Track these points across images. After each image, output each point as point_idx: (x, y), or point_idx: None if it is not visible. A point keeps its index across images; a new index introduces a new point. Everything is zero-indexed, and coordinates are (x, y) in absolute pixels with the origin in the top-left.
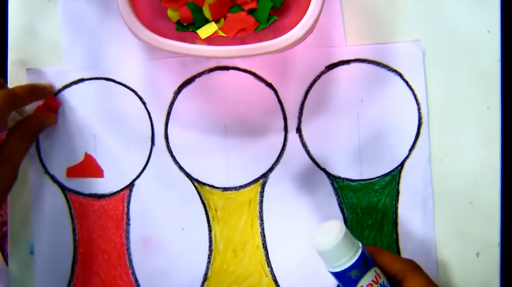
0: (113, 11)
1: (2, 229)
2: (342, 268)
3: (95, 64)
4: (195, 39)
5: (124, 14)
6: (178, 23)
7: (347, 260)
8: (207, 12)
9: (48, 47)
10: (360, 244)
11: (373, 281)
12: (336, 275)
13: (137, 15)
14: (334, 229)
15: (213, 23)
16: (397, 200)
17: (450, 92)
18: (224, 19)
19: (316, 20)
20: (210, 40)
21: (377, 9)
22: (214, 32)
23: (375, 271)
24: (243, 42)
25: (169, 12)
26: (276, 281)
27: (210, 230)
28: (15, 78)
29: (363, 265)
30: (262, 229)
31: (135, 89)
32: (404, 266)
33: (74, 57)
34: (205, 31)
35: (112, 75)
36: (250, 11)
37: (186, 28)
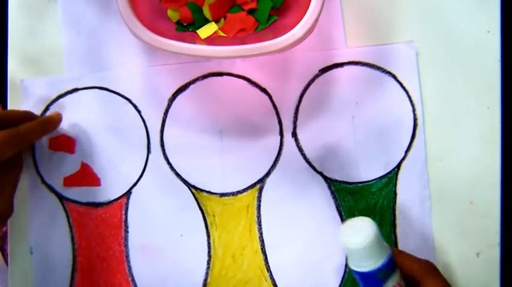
0: (112, 11)
1: (2, 229)
2: (369, 269)
3: (93, 67)
4: (195, 39)
5: (124, 14)
6: (178, 23)
7: (375, 261)
8: (207, 12)
9: (48, 48)
10: (389, 247)
11: (398, 283)
12: (361, 274)
13: (137, 15)
14: (366, 228)
15: (213, 23)
16: (394, 202)
17: (450, 92)
18: (224, 19)
19: (316, 20)
20: (210, 40)
21: (378, 11)
22: (214, 32)
23: (399, 274)
24: (243, 42)
25: (169, 12)
26: (275, 286)
27: (208, 236)
28: (15, 79)
29: (389, 267)
30: (261, 233)
31: (129, 98)
32: (422, 267)
33: (74, 57)
34: (205, 31)
35: (107, 83)
36: (250, 11)
37: (186, 28)
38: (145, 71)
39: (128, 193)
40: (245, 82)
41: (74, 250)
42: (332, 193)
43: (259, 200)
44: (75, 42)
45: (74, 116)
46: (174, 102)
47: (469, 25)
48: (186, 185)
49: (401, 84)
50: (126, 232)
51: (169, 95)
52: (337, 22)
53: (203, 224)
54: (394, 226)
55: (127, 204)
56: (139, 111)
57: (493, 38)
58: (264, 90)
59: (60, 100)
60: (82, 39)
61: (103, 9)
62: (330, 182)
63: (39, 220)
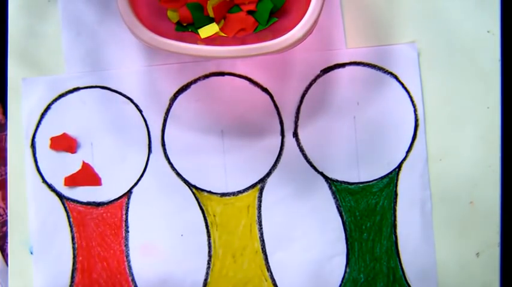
0: (112, 11)
1: (2, 229)
2: None
3: (93, 67)
4: (195, 39)
5: (124, 14)
6: (178, 23)
7: None
8: (211, 12)
9: (49, 48)
10: None
11: None
12: None
13: (137, 15)
14: None
15: (215, 23)
16: (395, 202)
17: (450, 92)
18: (224, 19)
19: (316, 21)
20: (210, 40)
21: (378, 11)
22: (215, 32)
23: None
24: (243, 42)
25: (169, 13)
26: (275, 286)
27: (209, 236)
28: (16, 79)
29: None
30: (261, 233)
31: (131, 97)
32: None
33: (74, 57)
34: (207, 31)
35: (108, 82)
36: (250, 11)
37: (186, 28)
38: (146, 71)
39: (129, 193)
40: (247, 82)
41: (74, 249)
42: (333, 193)
43: (259, 200)
44: (75, 42)
45: (75, 115)
46: (176, 102)
47: (469, 25)
48: (187, 185)
49: (402, 85)
50: (127, 231)
51: (171, 94)
52: (338, 23)
53: (203, 224)
54: (394, 226)
55: (127, 204)
56: (140, 111)
57: (493, 38)
58: (265, 90)
59: (62, 99)
60: (82, 39)
61: (103, 9)
62: (330, 182)
63: (40, 220)
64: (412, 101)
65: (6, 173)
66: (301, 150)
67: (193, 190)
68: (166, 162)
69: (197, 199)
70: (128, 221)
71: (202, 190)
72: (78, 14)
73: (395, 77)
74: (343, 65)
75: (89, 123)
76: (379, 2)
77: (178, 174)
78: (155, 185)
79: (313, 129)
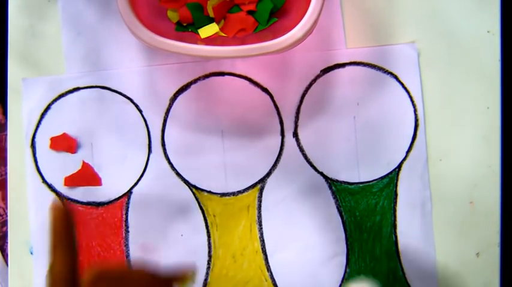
0: (112, 11)
1: (2, 229)
2: None
3: (93, 67)
4: (195, 39)
5: (124, 14)
6: (178, 23)
7: None
8: (211, 12)
9: (49, 48)
10: None
11: None
12: None
13: (137, 15)
14: None
15: (215, 23)
16: (395, 203)
17: (450, 92)
18: (224, 19)
19: (316, 21)
20: (210, 40)
21: (378, 11)
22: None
23: None
24: (243, 42)
25: (169, 13)
26: (275, 286)
27: (209, 236)
28: (16, 79)
29: None
30: (261, 233)
31: (131, 97)
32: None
33: (74, 57)
34: (206, 31)
35: (108, 82)
36: (250, 12)
37: (186, 28)
38: (146, 71)
39: (129, 193)
40: (247, 82)
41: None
42: (333, 193)
43: (259, 200)
44: (75, 42)
45: (75, 115)
46: (176, 102)
47: (469, 25)
48: (187, 185)
49: (402, 84)
50: (127, 231)
51: (171, 94)
52: (338, 23)
53: (204, 224)
54: (394, 226)
55: (127, 204)
56: (140, 111)
57: (493, 38)
58: (265, 90)
59: (62, 99)
60: (82, 39)
61: (103, 9)
62: (330, 182)
63: (40, 220)
64: (412, 101)
65: (6, 173)
66: (301, 150)
67: (193, 190)
68: (166, 162)
69: (197, 199)
70: (127, 221)
71: (202, 190)
72: (78, 14)
73: (395, 77)
74: (343, 65)
75: (89, 123)
76: (379, 2)
77: (178, 174)
78: (155, 185)
79: (313, 129)
